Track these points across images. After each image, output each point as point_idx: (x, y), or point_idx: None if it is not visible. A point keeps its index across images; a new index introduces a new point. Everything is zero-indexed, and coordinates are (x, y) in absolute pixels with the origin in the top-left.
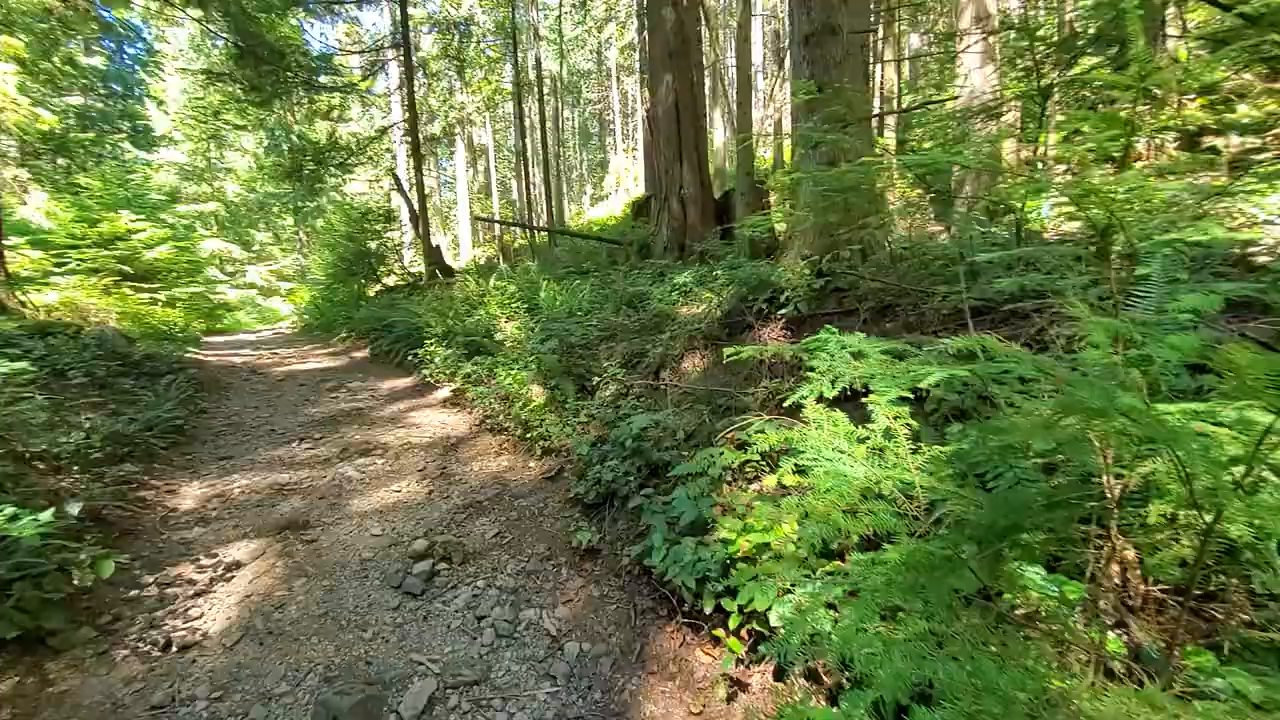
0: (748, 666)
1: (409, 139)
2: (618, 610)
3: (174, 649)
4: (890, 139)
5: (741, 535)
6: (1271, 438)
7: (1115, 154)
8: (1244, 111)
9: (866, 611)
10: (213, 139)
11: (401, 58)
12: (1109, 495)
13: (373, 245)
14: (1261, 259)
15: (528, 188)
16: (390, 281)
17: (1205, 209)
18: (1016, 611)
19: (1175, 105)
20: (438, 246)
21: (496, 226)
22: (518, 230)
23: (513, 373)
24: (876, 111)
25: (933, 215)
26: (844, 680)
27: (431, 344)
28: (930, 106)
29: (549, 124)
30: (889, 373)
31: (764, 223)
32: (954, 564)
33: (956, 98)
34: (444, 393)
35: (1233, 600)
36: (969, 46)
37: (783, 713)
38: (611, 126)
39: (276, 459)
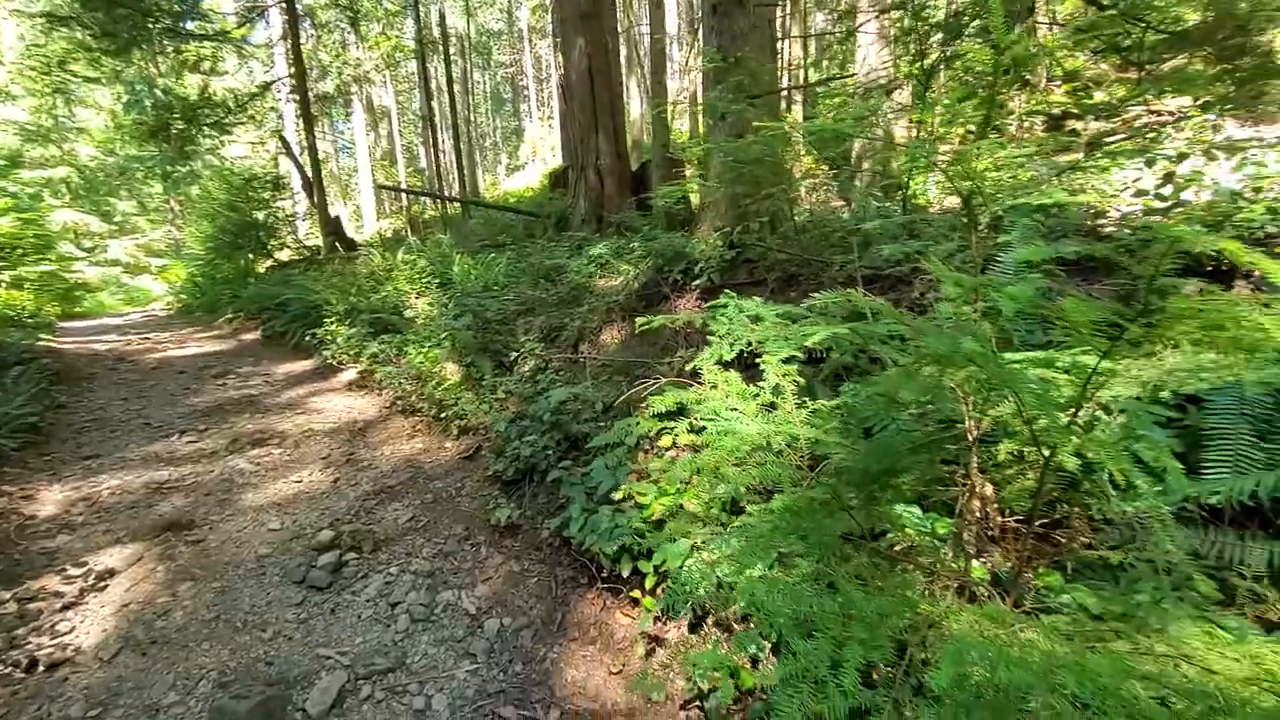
0: (664, 623)
1: (296, 97)
2: (539, 583)
3: (40, 668)
4: (799, 114)
5: (655, 499)
6: (1098, 378)
7: (980, 126)
8: (1100, 98)
9: (752, 556)
10: (59, 93)
11: (284, 4)
12: (969, 438)
13: (260, 216)
14: (1109, 229)
15: (437, 156)
16: (284, 256)
17: (1060, 181)
18: (896, 548)
19: (1043, 90)
20: (337, 217)
21: (404, 196)
22: (428, 201)
23: (425, 351)
24: (784, 86)
25: (836, 190)
26: (751, 626)
27: (332, 323)
28: (832, 83)
29: (458, 87)
30: (781, 334)
31: (676, 193)
32: (831, 508)
33: (855, 75)
34: (349, 375)
35: (1075, 526)
36: (863, 25)
37: (673, 656)
38: (525, 92)
39: (153, 455)
